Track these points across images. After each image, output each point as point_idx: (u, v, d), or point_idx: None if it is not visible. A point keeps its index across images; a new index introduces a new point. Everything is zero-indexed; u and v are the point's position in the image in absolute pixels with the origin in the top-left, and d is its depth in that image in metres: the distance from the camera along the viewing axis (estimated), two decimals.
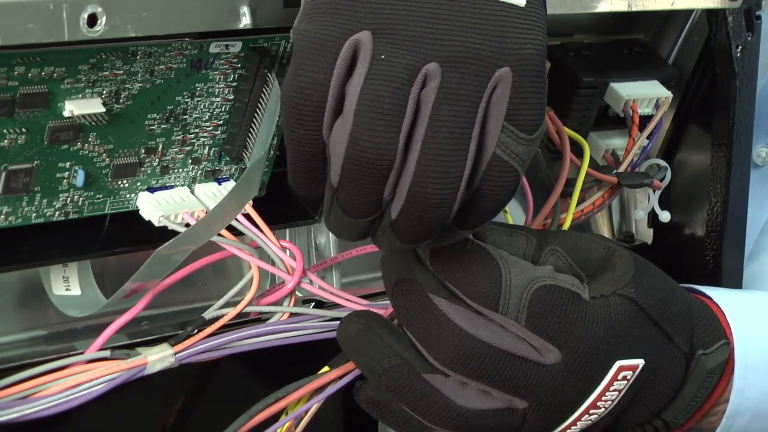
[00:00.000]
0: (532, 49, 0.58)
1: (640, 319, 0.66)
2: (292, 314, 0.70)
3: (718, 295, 0.73)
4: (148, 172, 0.68)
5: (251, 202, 0.68)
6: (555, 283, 0.64)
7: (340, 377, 0.68)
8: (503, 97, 0.58)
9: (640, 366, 0.66)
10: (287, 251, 0.70)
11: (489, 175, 0.59)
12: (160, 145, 0.68)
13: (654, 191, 0.87)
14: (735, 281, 0.89)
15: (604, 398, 0.66)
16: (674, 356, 0.69)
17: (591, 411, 0.66)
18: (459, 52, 0.57)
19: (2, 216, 0.64)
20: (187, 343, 0.66)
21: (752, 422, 0.72)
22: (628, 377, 0.66)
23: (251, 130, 0.69)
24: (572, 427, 0.67)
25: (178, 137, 0.68)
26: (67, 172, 0.65)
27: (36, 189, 0.64)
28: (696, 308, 0.71)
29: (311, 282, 0.71)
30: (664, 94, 0.86)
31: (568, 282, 0.65)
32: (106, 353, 0.64)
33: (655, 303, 0.67)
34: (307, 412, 0.68)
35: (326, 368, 0.68)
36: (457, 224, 0.60)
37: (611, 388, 0.66)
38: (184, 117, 0.67)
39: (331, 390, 0.68)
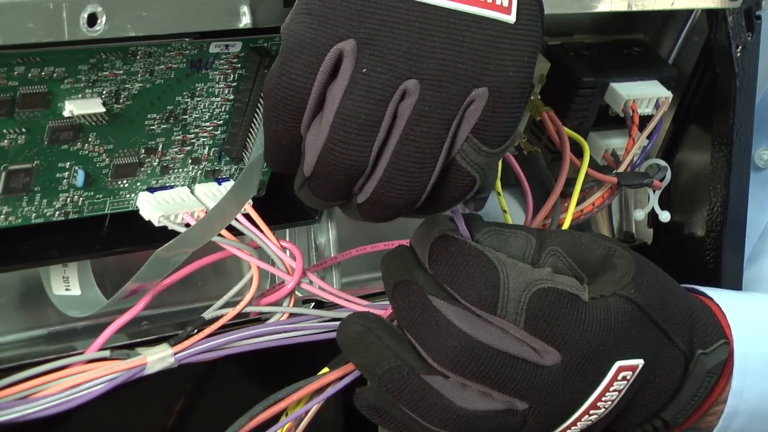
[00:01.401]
0: (513, 72, 0.59)
1: (639, 319, 0.66)
2: (291, 314, 0.70)
3: (719, 295, 0.73)
4: (148, 172, 0.68)
5: (251, 201, 0.68)
6: (553, 286, 0.64)
7: (340, 378, 0.68)
8: (475, 112, 0.59)
9: (640, 366, 0.66)
10: (287, 251, 0.70)
11: (445, 177, 0.61)
12: (160, 145, 0.67)
13: (654, 191, 0.87)
14: (735, 281, 0.89)
15: (604, 398, 0.66)
16: (674, 356, 0.69)
17: (591, 411, 0.66)
18: (439, 70, 0.58)
19: (2, 216, 0.63)
20: (186, 343, 0.66)
21: (749, 424, 0.72)
22: (628, 377, 0.66)
23: (251, 130, 0.69)
24: (572, 428, 0.67)
25: (178, 137, 0.68)
26: (67, 172, 0.65)
27: (36, 189, 0.64)
28: (696, 308, 0.71)
29: (311, 282, 0.71)
30: (664, 94, 0.86)
31: (566, 284, 0.65)
32: (106, 353, 0.64)
33: (655, 303, 0.67)
34: (307, 413, 0.68)
35: (326, 369, 0.68)
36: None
37: (611, 389, 0.66)
38: (184, 117, 0.67)
39: (331, 391, 0.68)
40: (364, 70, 0.57)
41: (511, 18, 0.58)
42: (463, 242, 0.65)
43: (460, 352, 0.63)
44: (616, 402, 0.67)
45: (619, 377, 0.66)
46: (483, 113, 0.59)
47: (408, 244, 0.67)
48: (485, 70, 0.58)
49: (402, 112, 0.58)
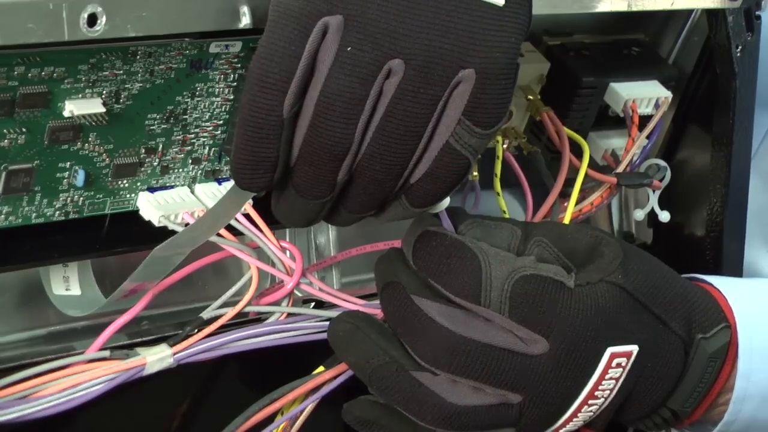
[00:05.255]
0: (499, 54, 0.59)
1: (629, 305, 0.66)
2: (290, 314, 0.70)
3: (719, 280, 0.73)
4: (148, 172, 0.68)
5: (251, 201, 0.68)
6: (536, 273, 0.64)
7: (335, 377, 0.68)
8: (463, 94, 0.59)
9: (635, 352, 0.66)
10: (287, 252, 0.70)
11: (441, 161, 0.60)
12: (160, 145, 0.68)
13: (654, 191, 0.87)
14: None
15: (600, 387, 0.66)
16: (671, 342, 0.68)
17: (590, 401, 0.66)
18: (425, 51, 0.58)
19: (2, 216, 0.64)
20: (185, 343, 0.66)
21: (761, 407, 0.71)
22: (623, 364, 0.66)
23: None
24: (574, 419, 0.66)
25: (178, 137, 0.68)
26: (67, 172, 0.65)
27: (36, 189, 0.64)
28: (693, 293, 0.70)
29: (310, 283, 0.71)
30: (664, 94, 0.86)
31: (550, 271, 0.64)
32: (106, 353, 0.64)
33: (646, 288, 0.67)
34: (302, 412, 0.69)
35: (321, 368, 0.68)
36: (409, 201, 0.62)
37: (607, 377, 0.66)
38: (184, 117, 0.67)
39: (325, 390, 0.68)
40: (348, 48, 0.57)
41: (501, 1, 0.59)
42: (444, 235, 0.65)
43: (443, 349, 0.63)
44: (615, 391, 0.66)
45: (614, 364, 0.65)
46: (472, 95, 0.59)
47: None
48: (471, 51, 0.58)
49: (387, 90, 0.58)
